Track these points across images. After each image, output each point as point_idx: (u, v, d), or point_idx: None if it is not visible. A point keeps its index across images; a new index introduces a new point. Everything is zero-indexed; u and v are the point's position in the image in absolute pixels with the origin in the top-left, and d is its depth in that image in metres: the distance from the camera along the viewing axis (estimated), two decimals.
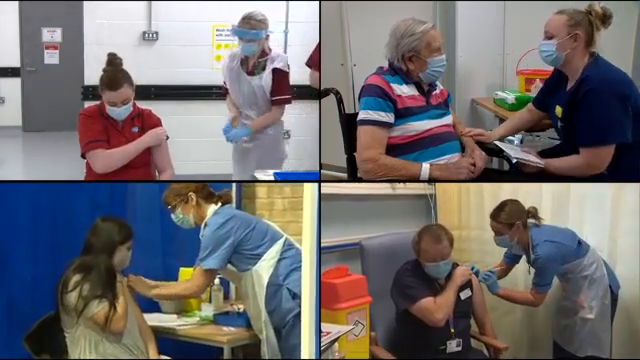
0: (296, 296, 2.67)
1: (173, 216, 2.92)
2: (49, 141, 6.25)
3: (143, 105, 3.05)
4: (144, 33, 4.86)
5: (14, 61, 7.21)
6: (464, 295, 2.94)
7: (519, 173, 2.83)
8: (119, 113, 2.87)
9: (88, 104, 3.14)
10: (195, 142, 4.82)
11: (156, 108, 3.10)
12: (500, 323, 3.66)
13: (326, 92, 2.95)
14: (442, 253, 2.83)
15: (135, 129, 2.94)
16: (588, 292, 3.04)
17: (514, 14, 4.12)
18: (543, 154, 2.81)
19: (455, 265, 2.96)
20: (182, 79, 4.34)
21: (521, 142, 3.85)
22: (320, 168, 3.97)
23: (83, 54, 4.82)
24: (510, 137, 3.42)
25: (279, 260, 2.77)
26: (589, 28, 2.48)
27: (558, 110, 2.55)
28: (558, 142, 2.95)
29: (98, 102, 2.97)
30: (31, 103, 7.32)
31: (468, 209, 3.97)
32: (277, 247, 2.79)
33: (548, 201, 3.51)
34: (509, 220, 3.08)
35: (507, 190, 3.50)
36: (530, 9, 4.01)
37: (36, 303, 2.74)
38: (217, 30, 4.83)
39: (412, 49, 2.58)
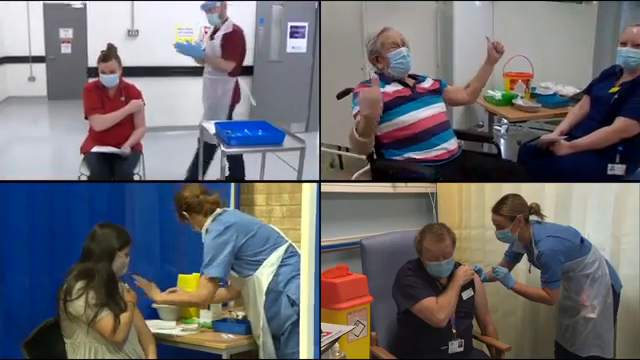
0: (295, 304, 2.65)
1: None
2: (65, 106, 8.72)
3: (129, 80, 4.05)
4: (128, 31, 6.68)
5: (41, 51, 10.16)
6: (466, 295, 2.92)
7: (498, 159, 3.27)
8: (106, 79, 3.79)
9: (91, 80, 3.99)
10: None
11: (138, 82, 4.10)
12: (501, 323, 3.65)
13: (346, 92, 3.31)
14: (444, 252, 2.81)
15: (122, 98, 3.87)
16: (590, 291, 3.03)
17: (501, 23, 4.66)
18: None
19: (457, 265, 2.94)
20: (154, 61, 5.71)
21: (507, 131, 4.90)
22: (320, 169, 3.96)
23: (87, 46, 6.81)
24: (497, 127, 4.62)
25: (280, 266, 2.75)
26: None
27: (614, 89, 3.05)
28: (540, 131, 3.40)
29: (96, 79, 3.87)
30: (53, 80, 10.39)
31: (469, 208, 3.96)
32: (278, 253, 2.77)
33: (550, 200, 3.50)
34: (510, 213, 3.07)
35: (509, 189, 3.49)
36: (515, 17, 4.66)
37: (34, 309, 2.73)
38: (178, 28, 6.66)
39: (373, 51, 3.06)
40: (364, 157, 3.15)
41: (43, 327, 2.58)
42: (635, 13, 4.52)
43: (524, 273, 3.36)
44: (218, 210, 2.87)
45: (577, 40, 4.52)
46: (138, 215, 3.23)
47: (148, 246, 3.25)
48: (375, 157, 3.06)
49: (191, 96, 6.15)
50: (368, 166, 3.23)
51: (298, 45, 7.12)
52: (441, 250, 2.80)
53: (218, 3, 4.35)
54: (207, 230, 2.81)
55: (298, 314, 2.60)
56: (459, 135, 3.21)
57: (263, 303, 2.73)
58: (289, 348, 2.68)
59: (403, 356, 2.93)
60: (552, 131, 3.38)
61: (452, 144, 3.03)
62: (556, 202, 3.51)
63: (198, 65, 4.92)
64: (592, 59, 4.42)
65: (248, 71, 7.13)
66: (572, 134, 3.20)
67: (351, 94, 3.13)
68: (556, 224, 3.19)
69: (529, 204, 3.13)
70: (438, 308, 2.75)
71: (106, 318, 2.50)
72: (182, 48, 4.34)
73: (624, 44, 3.02)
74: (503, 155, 3.56)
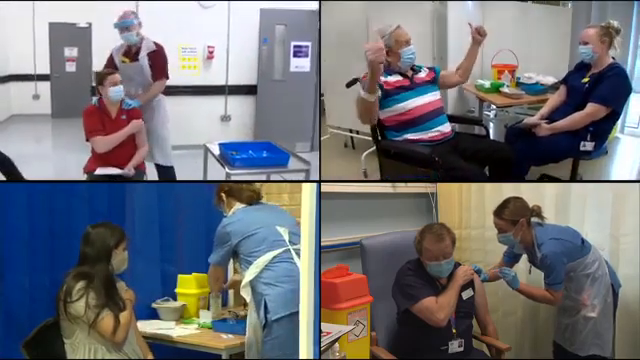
0: (267, 311, 2.66)
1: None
2: (68, 124, 8.46)
3: None
4: None
5: (45, 69, 10.29)
6: (466, 295, 2.92)
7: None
8: (114, 92, 3.73)
9: (96, 98, 3.94)
10: None
11: None
12: (501, 323, 3.65)
13: (353, 81, 3.53)
14: (444, 252, 2.81)
15: (123, 117, 3.83)
16: (590, 290, 3.03)
17: (491, 21, 4.98)
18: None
19: (457, 265, 2.94)
20: None
21: (495, 116, 5.41)
22: (320, 169, 3.96)
23: (91, 64, 7.09)
24: (486, 112, 5.22)
25: (264, 270, 2.74)
26: (610, 37, 3.42)
27: (586, 79, 3.50)
28: (524, 116, 4.05)
29: (97, 98, 3.85)
30: (57, 98, 10.46)
31: (469, 208, 3.96)
32: (267, 257, 2.76)
33: (550, 200, 3.50)
34: (513, 217, 3.07)
35: (509, 189, 3.49)
36: (503, 16, 5.10)
37: (34, 309, 2.73)
38: (182, 48, 6.90)
39: (386, 46, 3.23)
40: (370, 139, 3.55)
41: (43, 327, 2.57)
42: (603, 13, 5.19)
43: (524, 273, 3.34)
44: (239, 206, 2.95)
45: (555, 36, 5.08)
46: (138, 215, 3.23)
47: (148, 246, 3.25)
48: (379, 138, 3.44)
49: (194, 115, 6.93)
50: (375, 147, 3.54)
51: (301, 64, 7.15)
52: (441, 250, 2.80)
53: (135, 21, 4.39)
54: (222, 221, 2.92)
55: (267, 320, 2.65)
56: (453, 119, 3.65)
57: (251, 300, 2.77)
58: (266, 353, 2.69)
59: (403, 356, 2.93)
60: (534, 115, 3.81)
61: (446, 127, 3.39)
62: (555, 202, 3.52)
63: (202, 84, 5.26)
64: (568, 53, 4.97)
65: (252, 90, 7.22)
66: (551, 118, 3.59)
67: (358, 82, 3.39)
68: (557, 225, 3.19)
69: (530, 206, 3.13)
70: (438, 308, 2.75)
71: (107, 319, 2.50)
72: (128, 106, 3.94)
73: (579, 43, 3.52)
74: (492, 136, 4.03)
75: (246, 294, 2.80)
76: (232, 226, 2.84)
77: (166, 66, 4.51)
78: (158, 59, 4.41)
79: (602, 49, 3.42)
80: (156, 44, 4.45)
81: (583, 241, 3.08)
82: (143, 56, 4.36)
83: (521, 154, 3.47)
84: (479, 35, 3.42)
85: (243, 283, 2.78)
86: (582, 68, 3.60)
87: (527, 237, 3.08)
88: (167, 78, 4.50)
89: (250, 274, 2.75)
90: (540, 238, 3.05)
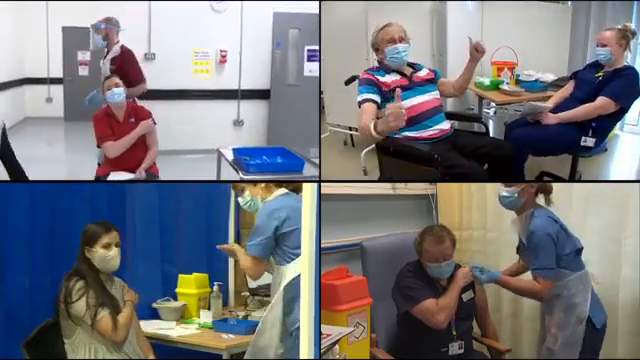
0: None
1: (240, 199, 2.90)
2: (81, 127, 8.26)
3: (144, 103, 4.14)
4: (145, 54, 6.78)
5: (59, 73, 10.39)
6: (466, 297, 2.91)
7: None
8: (110, 94, 3.77)
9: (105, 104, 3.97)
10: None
11: (154, 105, 4.30)
12: (502, 324, 3.64)
13: (352, 79, 3.60)
14: (444, 254, 2.81)
15: (132, 120, 3.82)
16: (558, 317, 2.84)
17: (490, 19, 5.14)
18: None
19: (457, 266, 2.94)
20: (171, 85, 5.75)
21: (495, 113, 5.45)
22: (320, 167, 3.95)
23: None
24: (486, 110, 5.29)
25: None
26: (627, 40, 3.49)
27: (599, 74, 3.56)
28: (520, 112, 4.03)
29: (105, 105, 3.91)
30: (70, 101, 10.47)
31: (470, 209, 3.96)
32: None
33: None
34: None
35: None
36: (503, 14, 5.14)
37: (34, 309, 2.73)
38: (195, 52, 7.02)
39: (374, 44, 3.34)
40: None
41: (43, 327, 2.58)
42: (602, 11, 5.30)
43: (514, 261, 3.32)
44: (283, 190, 2.85)
45: (555, 34, 5.16)
46: (138, 215, 3.23)
47: (149, 246, 3.25)
48: None
49: (206, 120, 7.10)
50: (374, 144, 3.50)
51: (315, 69, 7.06)
52: (441, 252, 2.80)
53: (103, 26, 4.57)
54: (264, 205, 2.80)
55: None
56: (453, 117, 3.62)
57: (282, 297, 2.68)
58: (293, 352, 2.65)
59: (403, 357, 2.93)
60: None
61: (444, 125, 3.34)
62: (556, 202, 3.50)
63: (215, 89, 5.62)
64: (568, 50, 5.14)
65: (265, 95, 7.23)
66: (554, 111, 3.60)
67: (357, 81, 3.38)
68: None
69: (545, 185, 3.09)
70: (438, 310, 2.75)
71: (105, 318, 2.50)
72: (99, 100, 4.14)
73: (597, 45, 3.55)
74: (491, 134, 4.05)
75: (281, 294, 2.68)
76: (280, 212, 2.70)
77: (135, 71, 4.58)
78: (123, 65, 4.50)
79: (619, 51, 3.48)
80: (123, 49, 4.59)
81: (579, 254, 2.91)
82: (106, 60, 4.58)
83: (521, 141, 3.45)
84: (477, 52, 3.37)
85: (286, 281, 2.66)
86: (595, 65, 3.64)
87: (528, 205, 2.95)
88: (142, 82, 4.61)
89: (294, 269, 2.64)
90: (538, 212, 2.92)
